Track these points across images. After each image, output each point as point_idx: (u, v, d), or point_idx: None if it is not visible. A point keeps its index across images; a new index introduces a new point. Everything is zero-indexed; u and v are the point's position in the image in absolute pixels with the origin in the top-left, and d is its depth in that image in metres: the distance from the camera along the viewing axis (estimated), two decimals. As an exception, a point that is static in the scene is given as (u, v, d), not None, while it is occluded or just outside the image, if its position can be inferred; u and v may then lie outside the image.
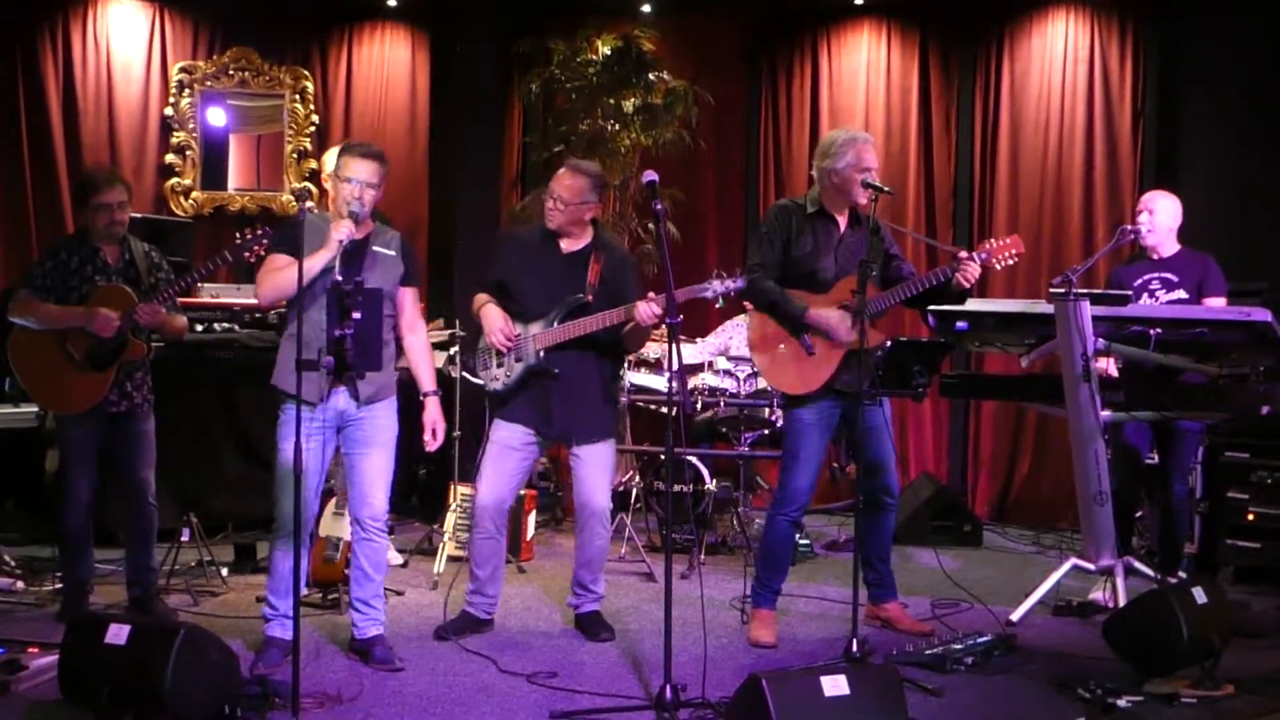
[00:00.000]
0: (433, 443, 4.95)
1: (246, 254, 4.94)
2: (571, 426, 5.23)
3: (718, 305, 4.99)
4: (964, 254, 5.10)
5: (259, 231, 4.95)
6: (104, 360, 5.24)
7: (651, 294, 5.00)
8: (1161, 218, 6.05)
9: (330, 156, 6.49)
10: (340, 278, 4.35)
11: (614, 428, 5.43)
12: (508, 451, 5.24)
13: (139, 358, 5.34)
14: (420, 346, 5.00)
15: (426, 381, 4.96)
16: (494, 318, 5.20)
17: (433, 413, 4.94)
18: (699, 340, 7.83)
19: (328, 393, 4.66)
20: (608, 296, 5.15)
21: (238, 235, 4.97)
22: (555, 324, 5.13)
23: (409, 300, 4.95)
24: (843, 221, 5.30)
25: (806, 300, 5.19)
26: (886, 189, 5.08)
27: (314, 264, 4.52)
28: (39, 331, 5.27)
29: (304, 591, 5.23)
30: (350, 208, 4.60)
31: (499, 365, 5.22)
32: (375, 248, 4.81)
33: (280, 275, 4.66)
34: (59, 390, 5.32)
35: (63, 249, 5.38)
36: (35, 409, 6.66)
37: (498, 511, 5.28)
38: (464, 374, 5.28)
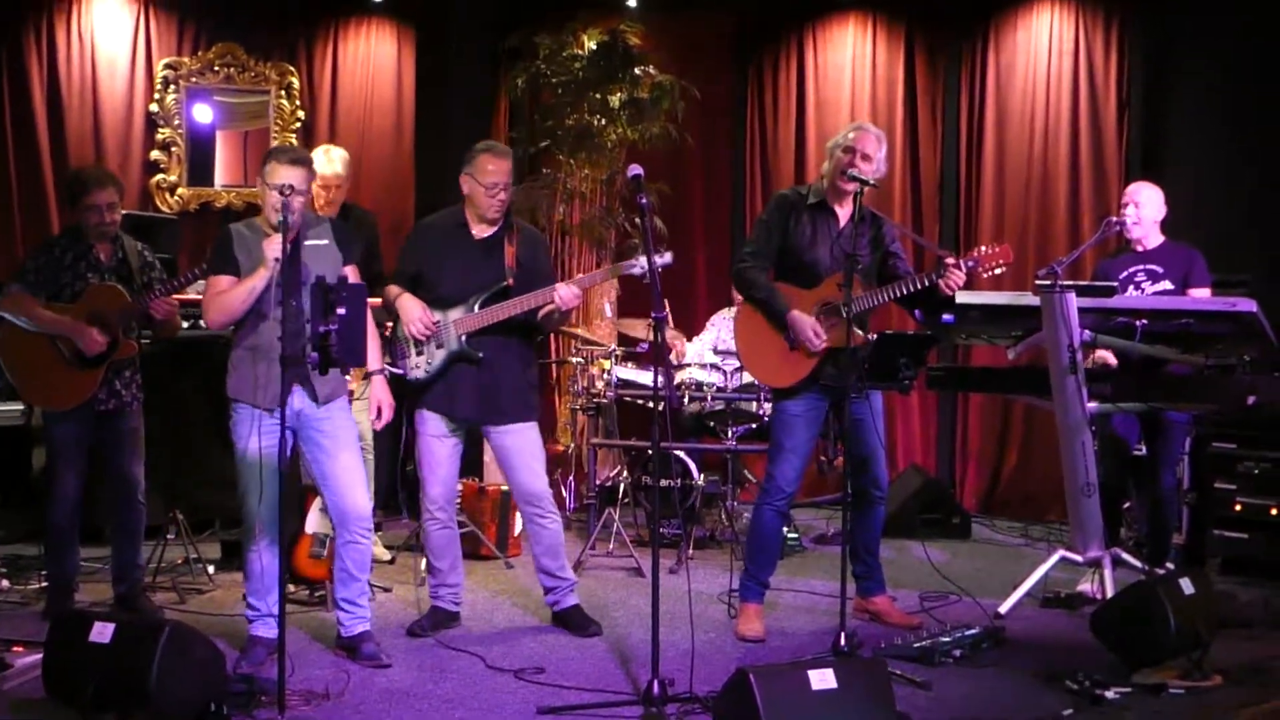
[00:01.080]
0: (378, 421, 4.94)
1: None
2: (490, 409, 5.22)
3: (645, 281, 4.92)
4: (951, 260, 5.11)
5: None
6: (94, 358, 5.22)
7: (582, 276, 4.99)
8: (1147, 210, 6.06)
9: (316, 157, 6.47)
10: (279, 284, 4.37)
11: (535, 411, 5.41)
12: (438, 441, 5.25)
13: (130, 356, 5.33)
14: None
15: (372, 360, 4.92)
16: (411, 307, 5.17)
17: (378, 391, 4.92)
18: (696, 339, 7.82)
19: (282, 396, 4.60)
20: (525, 278, 5.17)
21: None
22: (476, 308, 5.14)
23: (350, 279, 4.81)
24: (843, 215, 5.30)
25: (794, 296, 5.20)
26: (870, 181, 5.08)
27: (256, 284, 4.55)
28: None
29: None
30: (281, 217, 4.45)
31: (419, 354, 5.21)
32: (308, 241, 4.76)
33: (225, 299, 4.66)
34: (47, 386, 5.30)
35: (56, 245, 5.38)
36: (20, 406, 6.63)
37: (447, 501, 5.31)
38: (387, 368, 5.23)
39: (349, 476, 4.81)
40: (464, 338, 5.14)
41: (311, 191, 4.77)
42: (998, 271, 5.16)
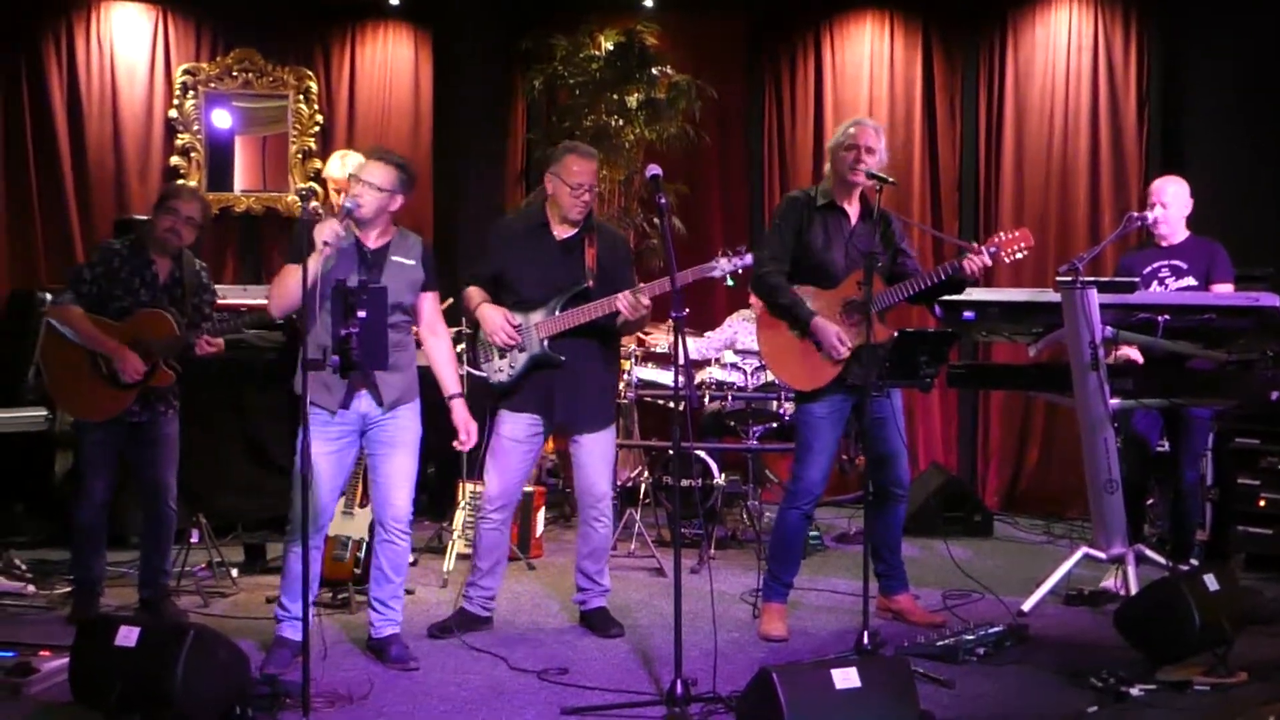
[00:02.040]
0: (467, 442, 4.95)
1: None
2: (574, 415, 5.23)
3: (728, 284, 4.96)
4: (974, 247, 5.10)
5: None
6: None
7: (647, 284, 5.01)
8: (1174, 208, 6.01)
9: (333, 162, 6.51)
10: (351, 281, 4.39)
11: (614, 414, 5.43)
12: (514, 444, 5.23)
13: (166, 385, 5.34)
14: (443, 349, 4.98)
15: (451, 384, 4.96)
16: (493, 315, 5.16)
17: (461, 414, 4.93)
18: (706, 334, 7.82)
19: (347, 399, 4.67)
20: (606, 280, 5.15)
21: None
22: (557, 312, 5.13)
23: (429, 304, 4.94)
24: (853, 214, 5.28)
25: (815, 300, 5.18)
26: (890, 180, 5.06)
27: (311, 269, 4.53)
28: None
29: (315, 593, 5.24)
30: (346, 204, 4.62)
31: (502, 357, 5.20)
32: (395, 257, 4.80)
33: (283, 283, 4.70)
34: (82, 397, 5.32)
35: (116, 255, 5.34)
36: (44, 412, 6.67)
37: (506, 504, 5.29)
38: (469, 369, 5.27)
39: (397, 476, 4.83)
40: (546, 341, 5.13)
41: (402, 195, 4.77)
42: (1019, 255, 5.15)
